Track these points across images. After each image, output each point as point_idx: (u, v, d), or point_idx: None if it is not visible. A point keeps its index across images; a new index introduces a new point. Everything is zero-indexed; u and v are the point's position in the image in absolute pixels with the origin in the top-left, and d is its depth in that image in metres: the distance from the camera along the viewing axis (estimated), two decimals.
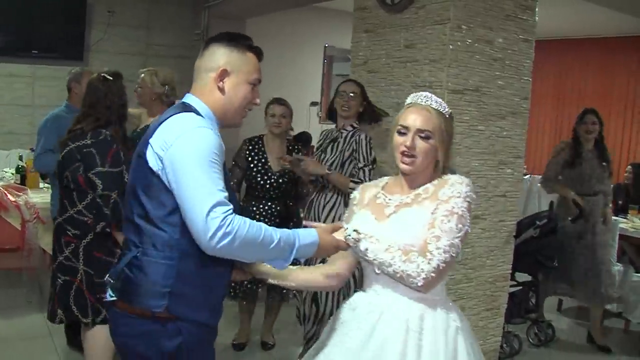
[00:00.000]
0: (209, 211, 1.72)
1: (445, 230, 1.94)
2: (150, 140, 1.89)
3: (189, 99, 2.01)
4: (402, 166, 2.09)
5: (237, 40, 2.02)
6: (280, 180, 4.13)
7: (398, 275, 1.93)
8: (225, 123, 2.05)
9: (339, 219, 3.73)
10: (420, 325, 1.99)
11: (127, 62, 5.59)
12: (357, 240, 1.97)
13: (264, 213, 4.12)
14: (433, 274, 1.90)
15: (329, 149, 3.85)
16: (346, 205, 3.62)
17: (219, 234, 1.72)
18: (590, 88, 10.75)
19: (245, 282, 4.02)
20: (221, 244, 1.73)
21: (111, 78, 3.25)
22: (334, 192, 3.78)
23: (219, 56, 1.98)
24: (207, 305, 1.96)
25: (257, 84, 2.05)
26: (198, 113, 1.94)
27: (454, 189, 2.01)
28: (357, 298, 2.19)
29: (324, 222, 3.74)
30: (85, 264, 3.14)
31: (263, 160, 4.17)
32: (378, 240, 1.99)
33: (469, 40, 3.70)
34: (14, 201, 4.58)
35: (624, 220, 5.93)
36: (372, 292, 2.12)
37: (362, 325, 2.05)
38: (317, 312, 3.79)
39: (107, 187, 3.04)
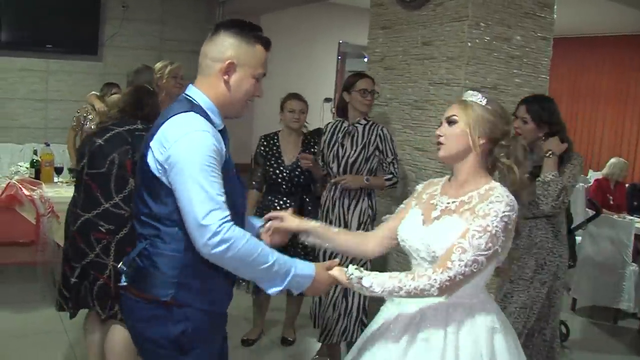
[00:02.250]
0: (205, 216, 1.74)
1: (474, 246, 1.90)
2: (151, 144, 1.90)
3: (192, 91, 2.00)
4: (438, 154, 2.14)
5: (247, 31, 1.98)
6: (293, 174, 4.13)
7: (412, 294, 1.91)
8: (228, 114, 2.04)
9: (347, 213, 3.74)
10: (458, 327, 2.01)
11: (141, 57, 5.59)
12: (360, 279, 1.93)
13: (278, 208, 4.10)
14: (448, 283, 1.87)
15: (347, 143, 3.78)
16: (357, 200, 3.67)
17: (215, 240, 1.74)
18: (605, 86, 10.68)
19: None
20: (215, 250, 1.75)
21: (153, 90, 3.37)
22: (346, 191, 3.77)
23: (227, 47, 1.95)
24: (213, 294, 1.99)
25: (261, 78, 2.03)
26: (200, 108, 1.93)
27: (492, 207, 1.94)
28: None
29: (333, 216, 3.75)
30: (115, 259, 3.09)
31: (277, 155, 4.19)
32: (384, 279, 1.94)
33: (487, 38, 3.67)
34: (28, 195, 4.59)
35: (639, 220, 5.88)
36: None
37: (404, 321, 2.08)
38: (347, 307, 3.78)
39: None
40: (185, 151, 1.81)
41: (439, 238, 2.01)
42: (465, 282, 1.94)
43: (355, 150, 3.75)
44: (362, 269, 1.97)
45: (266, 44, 2.02)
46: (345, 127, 3.86)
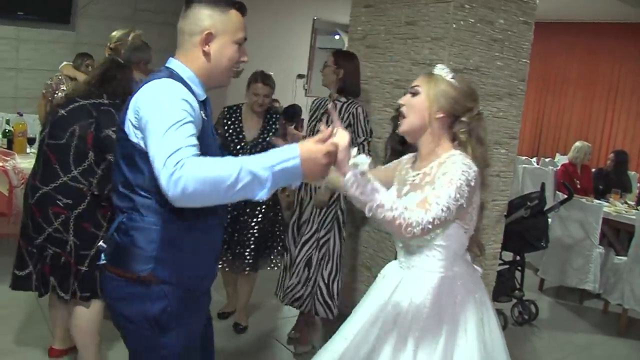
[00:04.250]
0: (164, 163, 1.60)
1: (443, 194, 1.93)
2: (127, 112, 1.86)
3: (172, 63, 1.97)
4: (399, 129, 2.16)
5: None
6: (253, 151, 3.99)
7: (396, 223, 1.83)
8: (212, 85, 2.01)
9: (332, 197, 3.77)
10: (426, 297, 2.07)
11: (113, 27, 5.49)
12: (363, 173, 1.76)
13: None
14: (429, 225, 1.88)
15: (323, 119, 3.84)
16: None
17: (171, 182, 1.57)
18: (575, 71, 10.86)
19: (228, 254, 4.02)
20: (175, 192, 1.57)
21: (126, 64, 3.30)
22: None
23: (202, 18, 1.92)
24: (193, 270, 1.94)
25: (242, 42, 1.99)
26: (179, 76, 1.90)
27: (449, 167, 2.00)
28: (387, 267, 2.33)
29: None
30: (74, 234, 3.05)
31: (238, 129, 4.08)
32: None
33: (472, 20, 3.70)
34: (1, 167, 4.50)
35: (607, 204, 6.02)
36: (398, 262, 2.23)
37: (383, 288, 2.20)
38: (307, 277, 3.86)
39: None
40: (155, 106, 1.75)
41: None
42: (433, 230, 1.93)
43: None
44: (364, 166, 1.76)
45: (240, 8, 1.99)
46: (326, 104, 3.89)
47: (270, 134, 4.04)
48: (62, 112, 3.09)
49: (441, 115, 2.09)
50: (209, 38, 1.92)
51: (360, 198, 1.79)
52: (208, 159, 1.62)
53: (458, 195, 1.94)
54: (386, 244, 4.13)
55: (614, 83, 10.38)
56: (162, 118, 1.71)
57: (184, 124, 1.70)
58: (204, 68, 1.95)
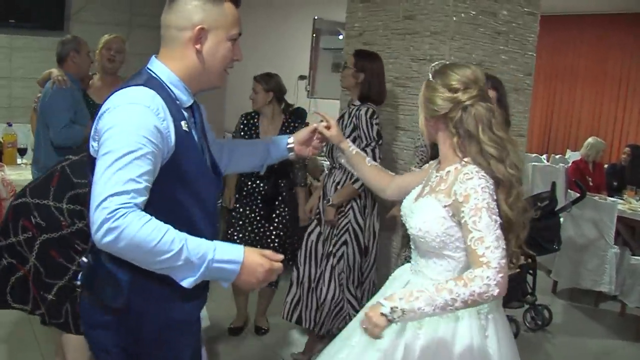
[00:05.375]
0: (103, 200, 1.45)
1: (483, 228, 1.77)
2: (93, 126, 1.64)
3: (153, 64, 1.73)
4: None
5: None
6: None
7: (470, 302, 1.72)
8: (202, 88, 1.79)
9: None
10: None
11: (109, 33, 5.35)
12: (403, 311, 1.71)
13: (250, 190, 4.00)
14: (500, 275, 1.71)
15: (339, 124, 3.63)
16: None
17: (104, 228, 1.44)
18: (584, 66, 10.65)
19: None
20: (104, 240, 1.46)
21: None
22: (342, 171, 3.58)
23: (192, 11, 1.68)
24: (176, 299, 1.69)
25: (237, 39, 1.76)
26: (158, 82, 1.67)
27: (467, 186, 1.83)
28: (399, 269, 2.24)
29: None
30: (37, 258, 2.77)
31: (255, 135, 3.99)
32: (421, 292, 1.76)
33: (473, 12, 3.52)
34: None
35: (621, 201, 5.80)
36: (410, 264, 2.15)
37: (389, 291, 2.09)
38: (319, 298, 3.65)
39: None
40: (114, 122, 1.54)
41: (414, 216, 1.99)
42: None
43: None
44: (395, 301, 1.73)
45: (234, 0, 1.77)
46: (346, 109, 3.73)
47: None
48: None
49: (427, 121, 1.99)
50: (201, 34, 1.69)
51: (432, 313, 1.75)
52: (151, 222, 1.48)
53: (494, 216, 1.79)
54: None
55: (625, 76, 10.14)
56: (115, 142, 1.51)
57: (139, 157, 1.51)
58: (194, 69, 1.72)
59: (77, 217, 2.75)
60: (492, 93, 2.39)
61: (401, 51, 3.84)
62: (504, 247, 1.76)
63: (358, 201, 3.54)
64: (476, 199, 1.80)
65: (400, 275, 2.16)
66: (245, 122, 4.05)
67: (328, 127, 2.24)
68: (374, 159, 3.39)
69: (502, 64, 3.70)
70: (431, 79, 1.97)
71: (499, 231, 1.77)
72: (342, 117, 3.68)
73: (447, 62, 2.04)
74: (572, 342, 4.63)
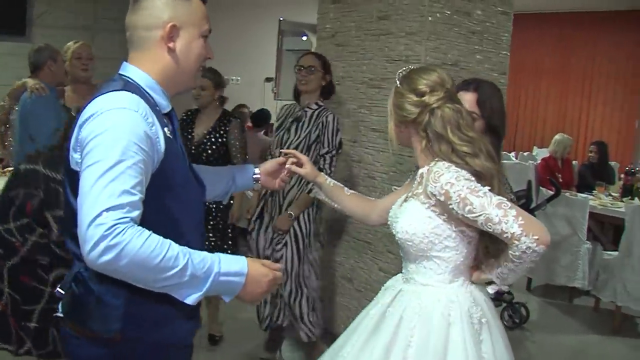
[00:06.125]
0: (97, 215, 1.34)
1: (480, 209, 1.77)
2: (74, 136, 1.53)
3: (127, 69, 1.62)
4: None
5: None
6: (197, 152, 3.81)
7: (523, 265, 1.81)
8: (178, 90, 1.70)
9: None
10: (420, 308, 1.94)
11: (73, 38, 5.19)
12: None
13: None
14: (532, 235, 1.72)
15: (292, 129, 3.55)
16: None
17: (101, 246, 1.33)
18: (548, 63, 10.76)
19: None
20: (102, 259, 1.34)
21: None
22: (296, 186, 3.55)
23: (162, 8, 1.59)
24: (172, 322, 1.59)
25: (208, 35, 1.68)
26: (137, 87, 1.57)
27: (441, 183, 1.84)
28: (391, 279, 2.19)
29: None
30: (11, 287, 2.62)
31: (190, 129, 3.92)
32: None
33: (448, 12, 3.49)
34: None
35: (592, 197, 5.86)
36: (401, 274, 2.11)
37: (381, 301, 2.07)
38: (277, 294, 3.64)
39: None
40: (101, 129, 1.42)
41: (400, 220, 1.98)
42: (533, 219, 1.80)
43: (298, 137, 3.51)
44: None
45: None
46: (296, 112, 3.62)
47: (218, 135, 3.85)
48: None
49: (401, 128, 1.98)
50: (173, 32, 1.60)
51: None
52: (152, 237, 1.39)
53: (480, 192, 1.80)
54: (368, 255, 3.90)
55: (588, 73, 10.30)
56: (104, 151, 1.40)
57: (131, 166, 1.41)
58: (169, 70, 1.63)
59: (27, 232, 2.58)
60: (472, 95, 2.37)
61: (375, 52, 3.79)
62: (510, 203, 1.77)
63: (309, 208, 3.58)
64: (455, 191, 1.81)
65: (392, 285, 2.12)
66: (185, 117, 3.97)
67: (300, 165, 2.20)
68: (330, 168, 3.42)
69: (477, 64, 3.68)
70: (398, 85, 1.98)
71: (495, 198, 1.78)
72: (297, 120, 3.58)
73: (413, 67, 2.04)
74: (550, 338, 4.67)
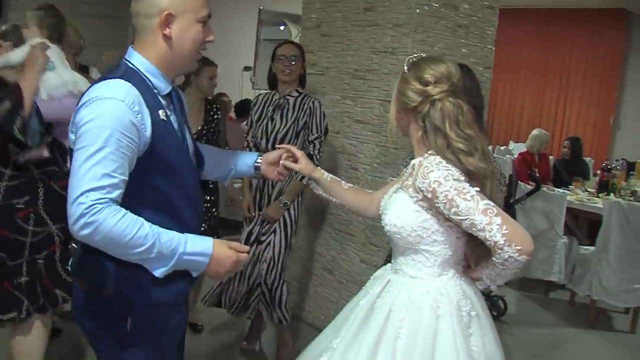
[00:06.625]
0: (80, 195, 1.54)
1: (465, 213, 1.77)
2: (73, 117, 1.69)
3: (131, 55, 1.77)
4: None
5: None
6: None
7: (507, 271, 1.82)
8: (177, 73, 1.87)
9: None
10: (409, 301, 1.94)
11: None
12: (489, 293, 1.86)
13: None
14: (515, 245, 1.73)
15: (277, 117, 3.51)
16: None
17: (81, 222, 1.54)
18: (526, 59, 10.84)
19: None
20: (81, 233, 1.56)
21: None
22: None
23: None
24: (164, 286, 1.74)
25: (207, 20, 1.81)
26: (135, 72, 1.72)
27: (429, 181, 1.83)
28: (380, 269, 2.19)
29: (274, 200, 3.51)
30: None
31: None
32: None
33: (435, 5, 3.49)
34: None
35: (569, 192, 5.92)
36: (391, 264, 2.11)
37: (370, 291, 2.07)
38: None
39: None
40: (90, 116, 1.59)
41: (388, 212, 1.98)
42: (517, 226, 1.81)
43: (285, 125, 3.47)
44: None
45: None
46: (276, 100, 3.57)
47: (213, 125, 3.83)
48: None
49: (402, 115, 1.97)
50: (168, 19, 1.71)
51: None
52: (125, 217, 1.58)
53: (468, 195, 1.79)
54: (350, 246, 3.90)
55: (565, 69, 10.39)
56: (91, 137, 1.58)
57: (114, 151, 1.58)
58: (166, 55, 1.75)
59: None
60: None
61: (361, 43, 3.78)
62: (496, 210, 1.77)
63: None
64: (442, 192, 1.81)
65: (382, 275, 2.12)
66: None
67: (295, 160, 2.21)
68: (319, 154, 3.42)
69: (462, 57, 3.68)
70: (406, 71, 1.97)
71: (481, 203, 1.77)
72: (279, 107, 3.53)
73: (425, 56, 2.03)
74: (528, 331, 4.72)
